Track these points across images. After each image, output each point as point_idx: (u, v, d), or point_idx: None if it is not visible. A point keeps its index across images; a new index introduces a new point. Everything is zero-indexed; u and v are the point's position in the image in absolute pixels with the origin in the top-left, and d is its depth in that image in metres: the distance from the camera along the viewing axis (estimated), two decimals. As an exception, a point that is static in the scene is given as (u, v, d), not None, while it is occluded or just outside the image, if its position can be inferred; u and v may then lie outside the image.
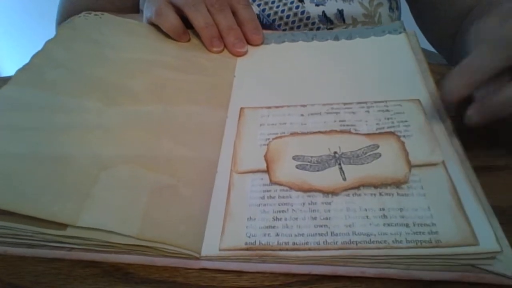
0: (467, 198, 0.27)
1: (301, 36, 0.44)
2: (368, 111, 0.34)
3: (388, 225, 0.26)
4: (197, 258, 0.26)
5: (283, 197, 0.28)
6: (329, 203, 0.27)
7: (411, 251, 0.24)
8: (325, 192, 0.28)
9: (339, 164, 0.30)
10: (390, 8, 0.54)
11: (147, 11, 0.46)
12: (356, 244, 0.25)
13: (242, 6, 0.44)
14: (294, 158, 0.30)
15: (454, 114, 0.31)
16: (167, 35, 0.45)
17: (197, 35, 0.44)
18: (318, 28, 0.50)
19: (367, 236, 0.25)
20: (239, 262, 0.26)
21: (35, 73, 0.38)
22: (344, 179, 0.29)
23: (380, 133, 0.32)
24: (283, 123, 0.34)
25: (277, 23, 0.50)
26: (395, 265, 0.25)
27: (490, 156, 0.32)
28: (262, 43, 0.44)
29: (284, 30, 0.51)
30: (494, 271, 0.24)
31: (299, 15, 0.50)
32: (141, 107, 0.35)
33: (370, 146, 0.31)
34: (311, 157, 0.30)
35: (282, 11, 0.50)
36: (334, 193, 0.28)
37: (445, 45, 0.54)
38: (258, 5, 0.50)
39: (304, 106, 0.35)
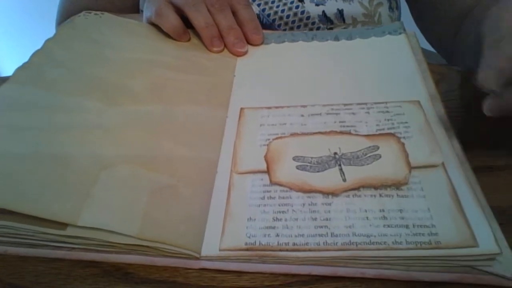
0: (467, 200, 0.27)
1: (301, 36, 0.44)
2: (368, 112, 0.34)
3: (388, 226, 0.26)
4: (197, 258, 0.26)
5: (283, 197, 0.28)
6: (329, 204, 0.27)
7: (411, 252, 0.24)
8: (325, 193, 0.28)
9: (339, 165, 0.30)
10: (390, 8, 0.54)
11: (147, 11, 0.46)
12: (356, 245, 0.25)
13: (242, 6, 0.44)
14: (294, 158, 0.30)
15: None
16: (167, 35, 0.45)
17: (197, 35, 0.44)
18: (318, 28, 0.50)
19: (367, 237, 0.25)
20: (239, 262, 0.26)
21: (35, 72, 0.38)
22: (344, 180, 0.29)
23: (380, 134, 0.32)
24: (283, 123, 0.34)
25: (277, 23, 0.50)
26: (395, 266, 0.25)
27: (490, 156, 0.32)
28: (262, 43, 0.44)
29: (284, 30, 0.51)
30: (494, 272, 0.24)
31: (299, 15, 0.50)
32: (141, 107, 0.35)
33: (370, 147, 0.31)
34: (311, 157, 0.30)
35: (282, 11, 0.50)
36: (334, 194, 0.28)
37: (445, 45, 0.54)
38: (258, 5, 0.50)
39: (304, 106, 0.35)
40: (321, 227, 0.26)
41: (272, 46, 0.44)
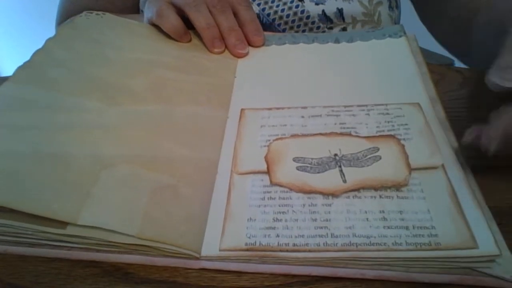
0: (467, 202, 0.27)
1: (302, 38, 0.44)
2: (368, 114, 0.34)
3: (388, 227, 0.26)
4: (197, 258, 0.26)
5: (284, 198, 0.28)
6: (329, 205, 0.27)
7: (410, 253, 0.24)
8: (326, 194, 0.28)
9: (340, 166, 0.30)
10: (390, 7, 0.54)
11: (148, 11, 0.46)
12: (356, 246, 0.25)
13: (244, 7, 0.44)
14: (294, 159, 0.31)
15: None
16: (168, 36, 0.45)
17: (198, 36, 0.44)
18: (318, 27, 0.51)
19: (367, 238, 0.25)
20: (239, 263, 0.26)
21: (35, 72, 0.38)
22: (345, 181, 0.29)
23: (380, 136, 0.32)
24: (283, 124, 0.34)
25: (277, 22, 0.50)
26: (395, 267, 0.25)
27: (490, 157, 0.32)
28: (263, 45, 0.44)
29: (284, 29, 0.51)
30: (493, 274, 0.24)
31: (299, 14, 0.50)
32: (142, 107, 0.35)
33: (370, 148, 0.31)
34: (312, 159, 0.30)
35: (282, 10, 0.50)
36: (334, 195, 0.28)
37: (454, 42, 0.53)
38: (258, 5, 0.50)
39: (304, 108, 0.35)
40: (321, 228, 0.26)
41: (273, 48, 0.44)
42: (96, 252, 0.27)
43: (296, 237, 0.26)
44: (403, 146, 0.31)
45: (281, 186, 0.29)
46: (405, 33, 0.43)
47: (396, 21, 0.57)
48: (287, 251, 0.25)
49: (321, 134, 0.33)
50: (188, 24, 0.44)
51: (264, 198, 0.28)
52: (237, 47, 0.43)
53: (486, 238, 0.24)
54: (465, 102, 0.39)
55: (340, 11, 0.50)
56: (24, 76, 0.37)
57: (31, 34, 1.36)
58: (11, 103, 0.34)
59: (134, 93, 0.37)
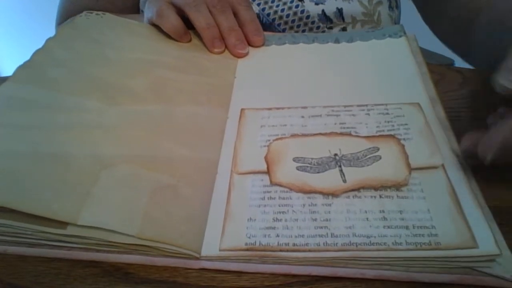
0: (467, 201, 0.27)
1: (302, 38, 0.44)
2: (368, 114, 0.34)
3: (388, 227, 0.26)
4: (197, 258, 0.26)
5: (284, 198, 0.28)
6: (329, 205, 0.27)
7: (410, 253, 0.24)
8: (326, 194, 0.28)
9: (340, 166, 0.30)
10: (390, 7, 0.54)
11: (148, 11, 0.46)
12: (356, 246, 0.25)
13: (244, 7, 0.44)
14: (294, 159, 0.31)
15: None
16: (168, 36, 0.45)
17: (198, 36, 0.44)
18: (317, 27, 0.51)
19: (367, 238, 0.25)
20: (239, 263, 0.26)
21: (35, 71, 0.38)
22: (345, 181, 0.29)
23: (380, 136, 0.32)
24: (283, 124, 0.34)
25: (276, 22, 0.51)
26: (395, 266, 0.25)
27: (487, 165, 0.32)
28: (263, 45, 0.44)
29: (284, 29, 0.51)
30: (493, 273, 0.24)
31: (299, 14, 0.50)
32: (142, 107, 0.35)
33: (370, 148, 0.31)
34: (312, 158, 0.30)
35: (282, 10, 0.50)
36: (334, 194, 0.28)
37: (455, 41, 0.53)
38: (258, 4, 0.50)
39: (304, 108, 0.35)
40: (321, 227, 0.26)
41: (273, 48, 0.44)
42: (96, 252, 0.27)
43: (296, 237, 0.26)
44: (403, 146, 0.31)
45: (281, 186, 0.29)
46: (405, 33, 0.43)
47: (396, 21, 0.57)
48: (287, 251, 0.25)
49: (321, 134, 0.33)
50: (188, 24, 0.44)
51: (264, 198, 0.28)
52: (237, 47, 0.43)
53: (486, 238, 0.24)
54: (465, 102, 0.39)
55: (340, 11, 0.50)
56: (24, 76, 0.37)
57: (31, 34, 1.36)
58: (11, 103, 0.34)
59: (134, 93, 0.37)
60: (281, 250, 0.25)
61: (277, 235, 0.26)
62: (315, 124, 0.34)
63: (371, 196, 0.28)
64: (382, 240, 0.25)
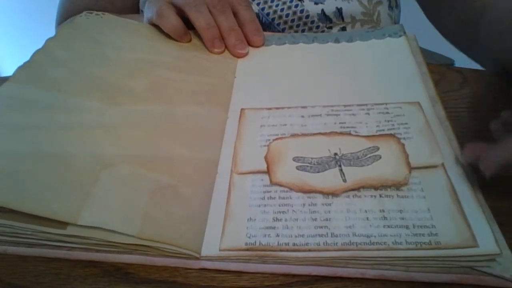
0: (467, 201, 0.27)
1: (302, 38, 0.44)
2: (368, 113, 0.34)
3: (388, 226, 0.26)
4: (197, 258, 0.26)
5: (283, 198, 0.28)
6: (329, 204, 0.27)
7: (410, 252, 0.24)
8: (325, 193, 0.28)
9: (339, 165, 0.30)
10: (390, 7, 0.54)
11: (148, 11, 0.46)
12: (356, 245, 0.25)
13: (243, 7, 0.44)
14: (294, 159, 0.31)
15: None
16: (168, 36, 0.45)
17: (198, 36, 0.44)
18: (317, 27, 0.51)
19: (367, 237, 0.25)
20: (239, 263, 0.26)
21: (35, 71, 0.38)
22: (344, 180, 0.29)
23: (380, 135, 0.32)
24: (283, 124, 0.34)
25: (276, 22, 0.51)
26: (395, 266, 0.25)
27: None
28: (263, 45, 0.44)
29: (284, 29, 0.51)
30: (493, 273, 0.24)
31: (298, 14, 0.50)
32: (142, 107, 0.35)
33: (370, 148, 0.31)
34: (312, 158, 0.30)
35: (282, 9, 0.50)
36: (334, 194, 0.28)
37: (460, 39, 0.53)
38: (258, 4, 0.50)
39: (304, 107, 0.35)
40: (321, 227, 0.26)
41: (273, 48, 0.44)
42: (96, 252, 0.27)
43: (296, 236, 0.26)
44: (403, 145, 0.31)
45: (281, 185, 0.29)
46: (405, 32, 0.43)
47: (396, 21, 0.57)
48: (287, 250, 0.25)
49: (321, 133, 0.33)
50: (188, 24, 0.44)
51: (264, 198, 0.28)
52: (237, 47, 0.43)
53: (486, 237, 0.24)
54: (465, 102, 0.39)
55: (339, 11, 0.50)
56: (24, 76, 0.37)
57: (31, 34, 1.36)
58: (11, 103, 0.34)
59: (134, 93, 0.37)
60: (281, 250, 0.25)
61: (277, 235, 0.26)
62: (315, 124, 0.34)
63: (371, 196, 0.28)
64: (382, 240, 0.25)
